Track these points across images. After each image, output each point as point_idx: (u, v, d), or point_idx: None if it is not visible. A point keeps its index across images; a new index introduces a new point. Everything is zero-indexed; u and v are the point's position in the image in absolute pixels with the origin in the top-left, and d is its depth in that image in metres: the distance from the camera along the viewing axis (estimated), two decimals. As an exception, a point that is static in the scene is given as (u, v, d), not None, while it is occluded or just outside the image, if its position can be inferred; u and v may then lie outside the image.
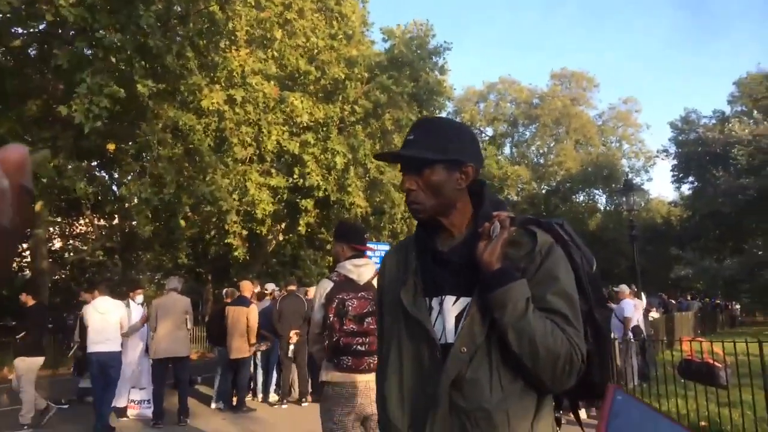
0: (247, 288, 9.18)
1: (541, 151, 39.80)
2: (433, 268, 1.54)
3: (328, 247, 17.63)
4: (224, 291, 10.37)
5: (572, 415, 1.73)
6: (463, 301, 1.48)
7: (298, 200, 15.54)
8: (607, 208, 37.87)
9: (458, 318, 1.47)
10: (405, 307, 1.53)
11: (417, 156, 1.50)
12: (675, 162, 34.37)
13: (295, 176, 15.04)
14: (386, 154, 1.73)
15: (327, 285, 3.50)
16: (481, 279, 1.44)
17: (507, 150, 39.76)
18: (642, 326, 10.19)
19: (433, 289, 1.52)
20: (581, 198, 38.61)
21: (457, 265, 1.51)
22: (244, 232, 15.14)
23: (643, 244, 27.89)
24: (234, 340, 8.60)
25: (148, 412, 8.11)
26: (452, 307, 1.49)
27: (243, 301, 8.84)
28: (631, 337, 9.26)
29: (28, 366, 7.61)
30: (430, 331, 1.47)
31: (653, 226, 35.53)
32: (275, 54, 14.88)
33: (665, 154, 35.37)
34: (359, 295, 3.41)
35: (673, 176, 34.81)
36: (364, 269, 3.51)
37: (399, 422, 1.51)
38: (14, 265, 19.54)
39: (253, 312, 8.74)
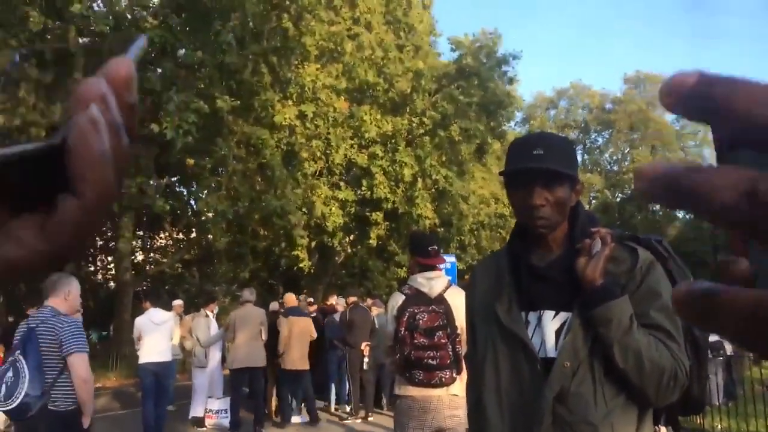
0: (292, 300, 9.23)
1: (614, 158, 38.64)
2: (529, 282, 1.55)
3: (397, 258, 17.67)
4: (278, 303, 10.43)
5: (671, 428, 1.75)
6: (563, 315, 1.50)
7: (367, 213, 15.67)
8: (688, 216, 36.23)
9: (557, 333, 1.49)
10: (501, 321, 1.54)
11: (561, 171, 1.47)
12: (761, 167, 32.62)
13: (363, 189, 15.19)
14: (524, 168, 1.50)
15: (398, 298, 3.51)
16: (583, 295, 1.45)
17: (579, 157, 38.48)
18: (725, 341, 9.66)
19: (528, 304, 1.54)
20: (659, 206, 37.07)
21: (555, 281, 1.53)
22: (313, 244, 15.39)
23: (727, 256, 26.40)
24: (295, 351, 8.48)
25: (226, 422, 8.31)
26: (551, 321, 1.51)
27: (301, 312, 8.86)
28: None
29: None
30: (529, 345, 1.49)
31: (738, 235, 33.63)
32: (344, 67, 15.11)
33: (750, 158, 33.61)
34: (430, 308, 3.39)
35: (759, 182, 33.02)
36: (436, 282, 3.48)
37: (499, 431, 1.53)
38: (99, 276, 20.59)
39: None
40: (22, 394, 3.31)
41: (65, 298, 3.65)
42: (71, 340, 3.46)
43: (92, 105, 0.31)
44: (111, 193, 0.32)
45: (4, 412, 3.41)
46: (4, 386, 3.36)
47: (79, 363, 3.48)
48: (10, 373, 3.39)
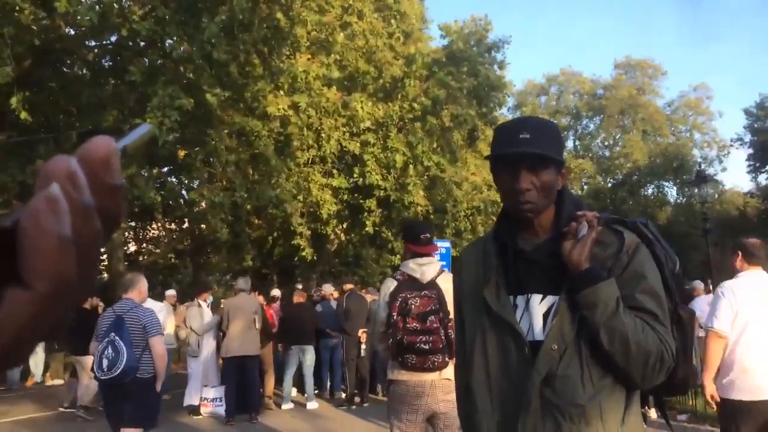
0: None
1: (606, 143, 38.66)
2: (516, 266, 1.56)
3: (390, 246, 17.71)
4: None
5: (657, 410, 1.74)
6: (550, 299, 1.51)
7: (360, 200, 15.68)
8: (678, 200, 36.42)
9: (545, 316, 1.50)
10: (489, 305, 1.55)
11: (547, 155, 1.47)
12: (751, 151, 32.78)
13: (355, 176, 15.19)
14: (511, 152, 1.50)
15: (391, 284, 3.53)
16: (569, 278, 1.46)
17: (570, 143, 38.75)
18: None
19: (516, 287, 1.55)
20: (650, 191, 37.27)
21: (542, 264, 1.53)
22: (308, 233, 15.40)
23: (718, 238, 26.68)
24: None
25: (221, 410, 8.35)
26: (539, 305, 1.52)
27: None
28: (699, 334, 8.90)
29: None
30: (517, 329, 1.50)
31: (728, 218, 33.85)
32: (336, 57, 15.04)
33: (740, 142, 33.77)
34: (422, 293, 3.41)
35: (749, 166, 33.16)
36: (427, 268, 3.50)
37: (488, 415, 1.54)
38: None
39: None
40: (123, 364, 4.20)
41: (139, 291, 4.62)
42: (151, 326, 4.47)
43: (53, 184, 0.28)
44: (68, 282, 0.28)
45: (107, 379, 4.24)
46: (106, 360, 4.24)
47: (158, 343, 4.49)
48: (110, 350, 4.27)
